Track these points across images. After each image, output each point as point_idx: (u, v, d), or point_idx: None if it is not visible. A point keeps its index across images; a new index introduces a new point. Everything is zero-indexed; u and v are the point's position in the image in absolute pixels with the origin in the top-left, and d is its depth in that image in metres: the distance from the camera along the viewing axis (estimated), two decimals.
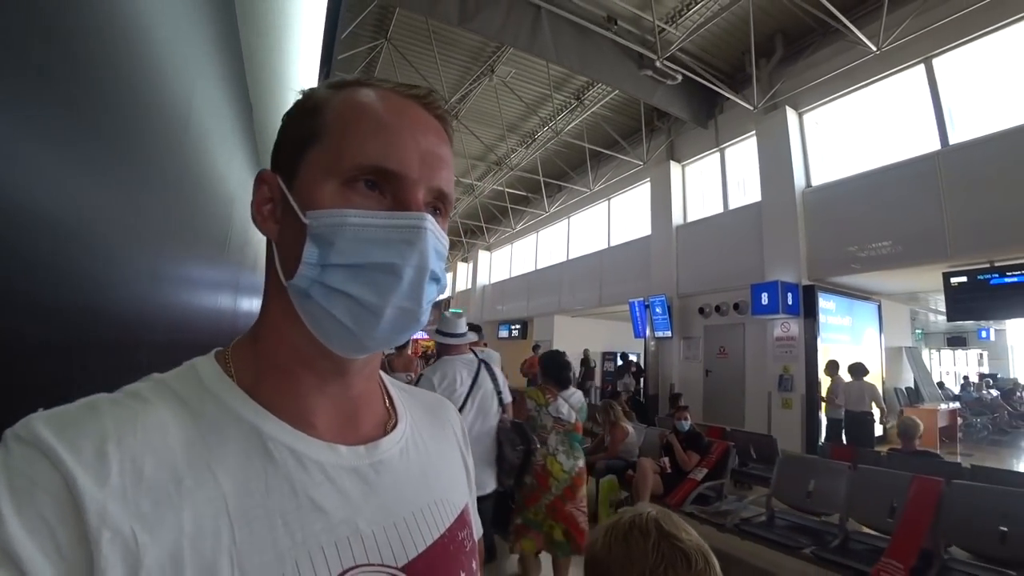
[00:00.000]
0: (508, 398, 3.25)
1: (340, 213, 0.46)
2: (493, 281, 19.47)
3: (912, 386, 11.32)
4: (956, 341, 20.09)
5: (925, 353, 20.42)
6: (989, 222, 6.61)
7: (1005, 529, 2.76)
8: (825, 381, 7.57)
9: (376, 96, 0.51)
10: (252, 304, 3.09)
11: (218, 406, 0.47)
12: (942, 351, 21.21)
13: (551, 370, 3.53)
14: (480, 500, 3.22)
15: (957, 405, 11.23)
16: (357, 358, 0.51)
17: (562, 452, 3.30)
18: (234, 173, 1.59)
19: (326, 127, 0.49)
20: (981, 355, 20.42)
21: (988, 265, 6.90)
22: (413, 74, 10.08)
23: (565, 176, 14.47)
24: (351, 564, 0.45)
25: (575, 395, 3.46)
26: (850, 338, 8.96)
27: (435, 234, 0.49)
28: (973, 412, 12.32)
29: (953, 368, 20.78)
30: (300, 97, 0.54)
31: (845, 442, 6.65)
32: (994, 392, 14.62)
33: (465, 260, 20.96)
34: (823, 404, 7.46)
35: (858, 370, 6.76)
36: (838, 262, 8.11)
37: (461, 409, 2.95)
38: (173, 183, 0.97)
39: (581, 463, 3.39)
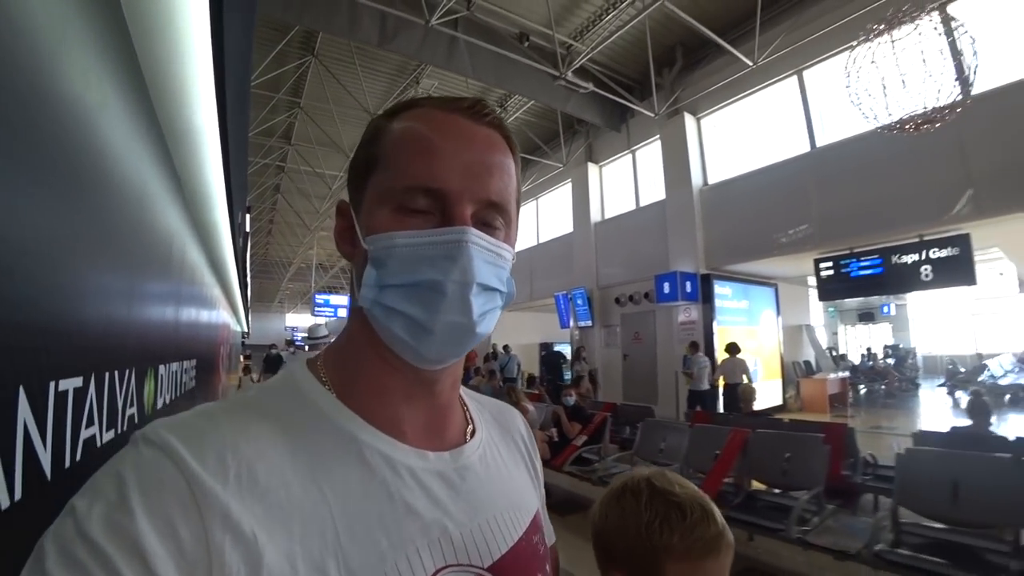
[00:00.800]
0: None
1: (389, 236, 0.49)
2: None
3: (809, 360, 12.59)
4: (866, 316, 21.92)
5: (841, 328, 22.26)
6: (848, 215, 7.68)
7: (787, 465, 3.64)
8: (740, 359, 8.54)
9: (422, 116, 0.52)
10: (191, 313, 3.61)
11: (316, 415, 0.49)
12: (857, 325, 23.00)
13: None
14: None
15: (847, 374, 12.55)
16: (434, 369, 0.53)
17: None
18: (172, 218, 2.27)
19: (381, 155, 0.52)
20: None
21: (849, 252, 7.99)
22: (339, 89, 10.56)
23: None
24: (443, 564, 0.48)
25: None
26: (747, 320, 10.04)
27: (480, 246, 0.50)
28: (867, 379, 13.76)
29: (869, 340, 22.54)
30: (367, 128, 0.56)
31: (723, 409, 7.59)
32: (891, 361, 16.24)
33: None
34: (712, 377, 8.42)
35: (731, 348, 7.73)
36: (730, 252, 9.13)
37: None
38: (139, 228, 1.57)
39: None
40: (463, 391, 0.67)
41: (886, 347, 19.52)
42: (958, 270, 6.93)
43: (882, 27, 4.50)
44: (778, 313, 10.93)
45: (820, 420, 4.35)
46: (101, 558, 0.35)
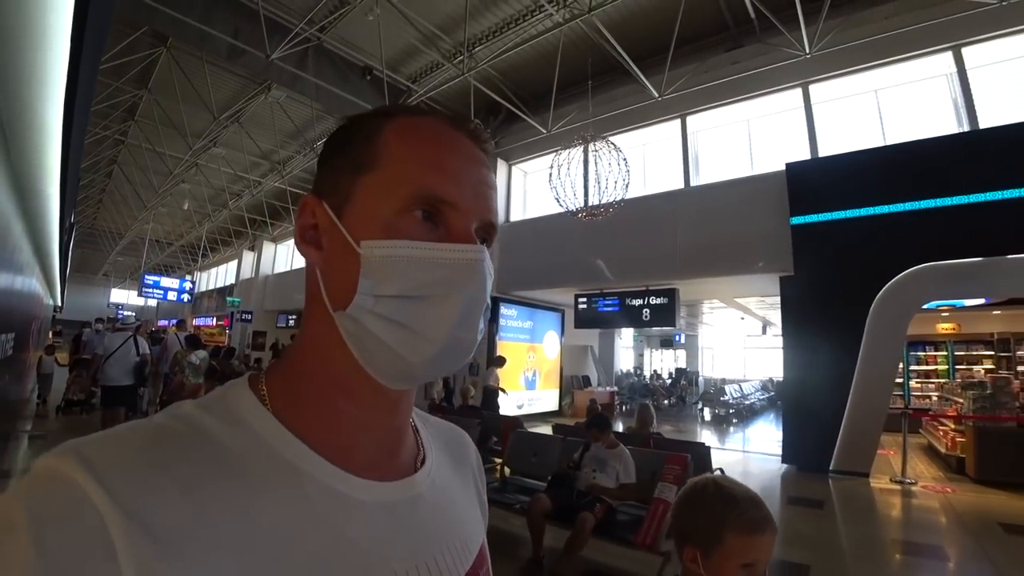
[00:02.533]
0: (144, 351, 6.93)
1: (397, 244, 0.46)
2: (277, 272, 20.39)
3: (588, 375, 15.03)
4: (666, 343, 25.58)
5: (647, 351, 25.80)
6: (603, 261, 9.81)
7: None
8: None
9: (431, 127, 0.51)
10: (13, 293, 4.41)
11: (252, 439, 0.46)
12: (660, 350, 26.67)
13: (188, 342, 7.33)
14: (124, 388, 6.49)
15: (616, 389, 15.15)
16: (404, 388, 0.52)
17: (191, 375, 7.27)
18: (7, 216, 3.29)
19: (381, 155, 0.49)
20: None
21: (599, 292, 10.15)
22: (186, 84, 10.98)
23: None
24: None
25: (199, 352, 7.00)
26: (530, 338, 12.06)
27: (488, 265, 0.49)
28: (640, 395, 16.55)
29: (674, 363, 26.22)
30: (346, 123, 0.54)
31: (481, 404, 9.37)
32: (668, 381, 19.44)
33: (251, 249, 21.30)
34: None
35: (492, 361, 9.55)
36: (517, 281, 11.03)
37: (112, 355, 6.29)
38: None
39: (201, 381, 7.32)
40: (415, 414, 0.63)
41: (677, 369, 23.04)
42: (666, 315, 9.29)
43: (576, 142, 6.37)
44: (561, 334, 13.10)
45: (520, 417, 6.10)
46: None
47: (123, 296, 31.30)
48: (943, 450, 8.28)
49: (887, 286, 7.18)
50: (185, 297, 19.33)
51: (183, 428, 0.44)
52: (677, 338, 24.24)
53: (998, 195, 6.77)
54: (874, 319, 7.22)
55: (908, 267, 7.09)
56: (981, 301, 10.21)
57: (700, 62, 9.57)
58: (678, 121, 9.93)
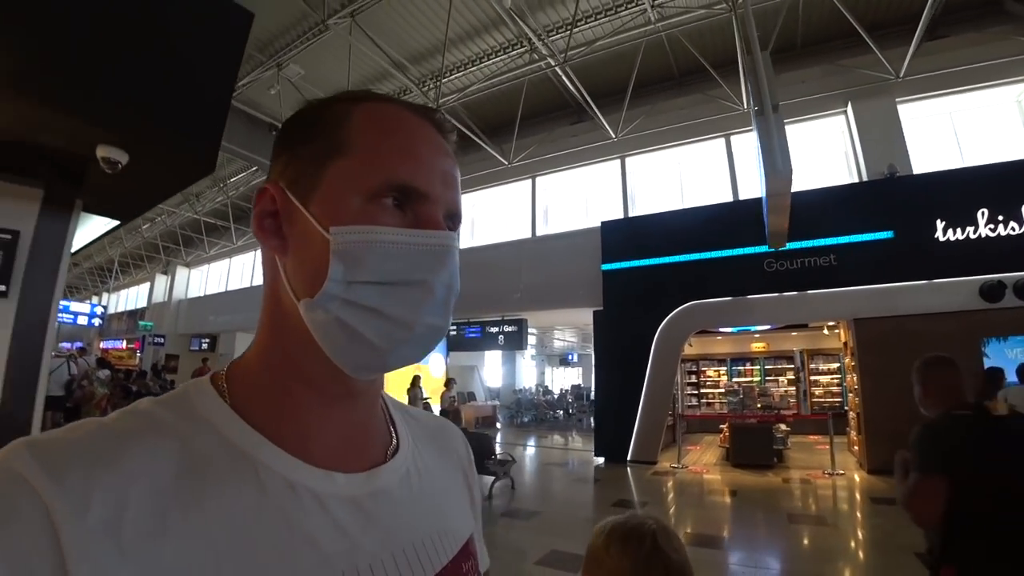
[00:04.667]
0: (74, 371, 8.70)
1: (369, 230, 0.46)
2: (190, 296, 21.18)
3: (473, 391, 17.07)
4: (564, 361, 27.96)
5: (548, 368, 28.02)
6: (466, 297, 11.84)
7: None
8: None
9: (398, 116, 0.51)
10: None
11: (209, 433, 0.45)
12: (560, 368, 28.96)
13: (98, 363, 9.56)
14: (56, 398, 8.51)
15: (498, 402, 17.23)
16: (370, 379, 0.51)
17: (99, 387, 8.77)
18: None
19: (351, 141, 0.49)
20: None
21: (466, 321, 12.19)
22: None
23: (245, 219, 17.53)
24: None
25: (104, 371, 8.92)
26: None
27: (458, 252, 0.51)
28: (525, 408, 18.65)
29: (578, 379, 28.38)
30: (306, 107, 0.52)
31: None
32: (553, 396, 21.64)
33: (164, 273, 21.93)
34: None
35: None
36: None
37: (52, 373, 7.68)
38: None
39: (106, 391, 9.53)
40: (395, 406, 0.63)
41: (573, 385, 25.26)
42: (516, 339, 11.45)
43: None
44: (446, 355, 15.06)
45: None
46: None
47: None
48: (719, 444, 10.77)
49: (666, 319, 9.56)
50: (96, 321, 19.76)
51: (138, 423, 0.44)
52: (570, 357, 26.76)
53: (741, 251, 9.29)
54: (658, 344, 9.58)
55: (682, 304, 9.50)
56: (768, 327, 13.01)
57: (548, 131, 11.94)
58: (529, 181, 12.20)
